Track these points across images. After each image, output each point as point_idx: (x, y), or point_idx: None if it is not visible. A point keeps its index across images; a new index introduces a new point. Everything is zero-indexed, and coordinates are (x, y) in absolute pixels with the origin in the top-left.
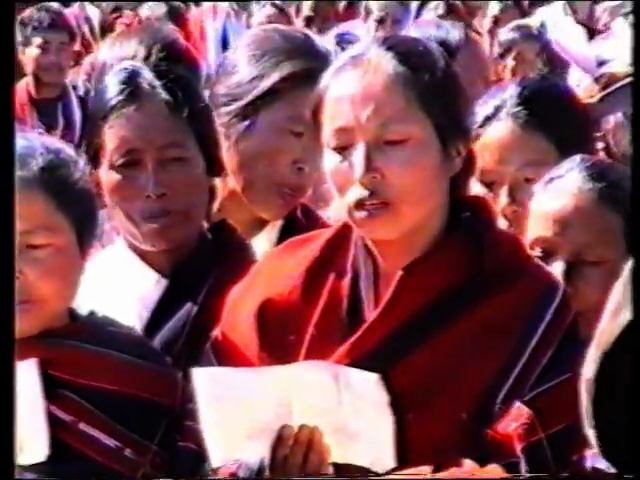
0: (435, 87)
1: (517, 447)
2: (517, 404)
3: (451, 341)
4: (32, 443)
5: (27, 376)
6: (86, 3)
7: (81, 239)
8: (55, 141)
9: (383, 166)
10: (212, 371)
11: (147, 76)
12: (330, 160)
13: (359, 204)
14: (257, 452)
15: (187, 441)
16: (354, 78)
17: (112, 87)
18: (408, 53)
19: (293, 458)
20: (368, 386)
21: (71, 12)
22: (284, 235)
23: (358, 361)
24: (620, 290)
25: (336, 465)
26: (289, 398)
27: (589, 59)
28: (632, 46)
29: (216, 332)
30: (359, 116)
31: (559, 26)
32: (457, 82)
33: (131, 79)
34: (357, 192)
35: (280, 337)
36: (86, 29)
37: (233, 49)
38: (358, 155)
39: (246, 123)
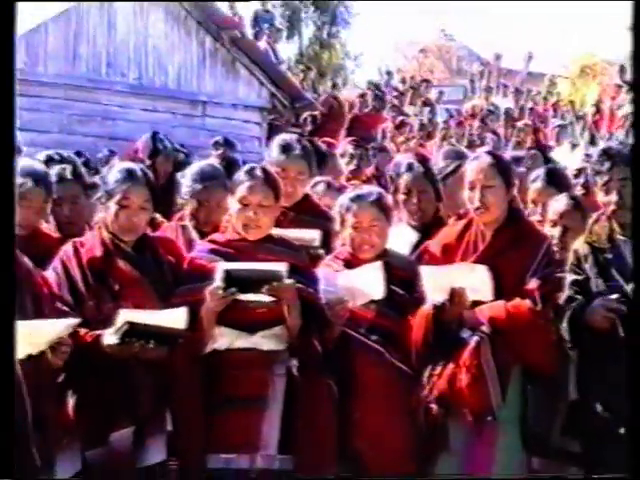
0: (505, 166)
1: (537, 296)
2: (534, 279)
3: (510, 257)
4: (369, 294)
5: (376, 270)
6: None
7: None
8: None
9: (487, 195)
10: (432, 267)
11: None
12: (466, 193)
13: (477, 208)
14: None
15: None
16: (476, 165)
17: (401, 164)
18: (494, 155)
19: (455, 300)
20: (485, 271)
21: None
22: None
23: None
24: None
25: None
26: (455, 277)
27: None
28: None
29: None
30: (478, 177)
31: None
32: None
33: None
34: (476, 204)
35: (450, 259)
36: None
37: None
38: (478, 191)
39: (448, 182)
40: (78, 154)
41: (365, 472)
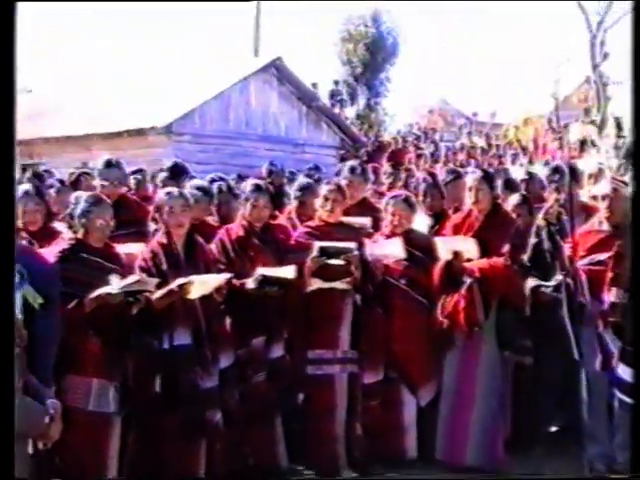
0: (491, 177)
1: (508, 256)
2: (506, 246)
3: (494, 232)
4: (394, 255)
5: (397, 241)
6: None
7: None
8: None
9: (479, 196)
10: (443, 238)
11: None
12: (467, 193)
13: (473, 202)
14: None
15: None
16: (473, 177)
17: (419, 179)
18: (484, 170)
19: (457, 258)
20: (473, 241)
21: None
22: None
23: (475, 237)
24: None
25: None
26: (456, 244)
27: None
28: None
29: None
30: (474, 183)
31: None
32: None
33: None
34: (473, 200)
35: (458, 232)
36: None
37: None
38: (474, 192)
39: (448, 187)
40: (239, 176)
41: (395, 359)
